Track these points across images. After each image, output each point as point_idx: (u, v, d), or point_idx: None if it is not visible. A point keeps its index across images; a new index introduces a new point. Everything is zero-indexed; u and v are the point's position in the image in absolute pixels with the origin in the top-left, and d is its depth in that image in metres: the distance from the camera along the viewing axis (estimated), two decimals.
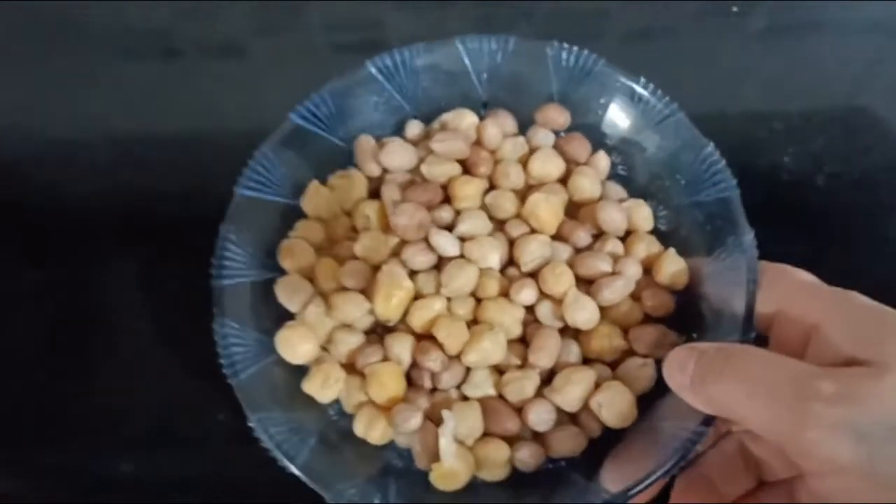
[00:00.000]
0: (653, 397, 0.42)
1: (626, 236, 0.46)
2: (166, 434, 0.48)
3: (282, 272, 0.45)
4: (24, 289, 0.52)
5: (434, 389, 0.43)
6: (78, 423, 0.48)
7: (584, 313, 0.42)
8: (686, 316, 0.44)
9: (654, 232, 0.46)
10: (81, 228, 0.53)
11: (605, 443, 0.42)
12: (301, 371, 0.43)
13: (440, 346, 0.42)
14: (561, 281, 0.43)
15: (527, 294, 0.43)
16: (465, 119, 0.47)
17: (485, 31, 0.50)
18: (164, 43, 0.60)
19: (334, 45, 0.60)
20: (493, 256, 0.43)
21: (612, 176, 0.48)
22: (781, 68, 0.59)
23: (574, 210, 0.47)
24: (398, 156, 0.47)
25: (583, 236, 0.45)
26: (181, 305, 0.50)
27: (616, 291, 0.43)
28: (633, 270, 0.43)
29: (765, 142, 0.56)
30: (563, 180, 0.47)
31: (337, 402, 0.43)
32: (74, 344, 0.50)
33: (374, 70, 0.47)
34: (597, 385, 0.42)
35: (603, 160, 0.47)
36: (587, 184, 0.46)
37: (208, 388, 0.45)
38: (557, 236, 0.45)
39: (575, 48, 0.47)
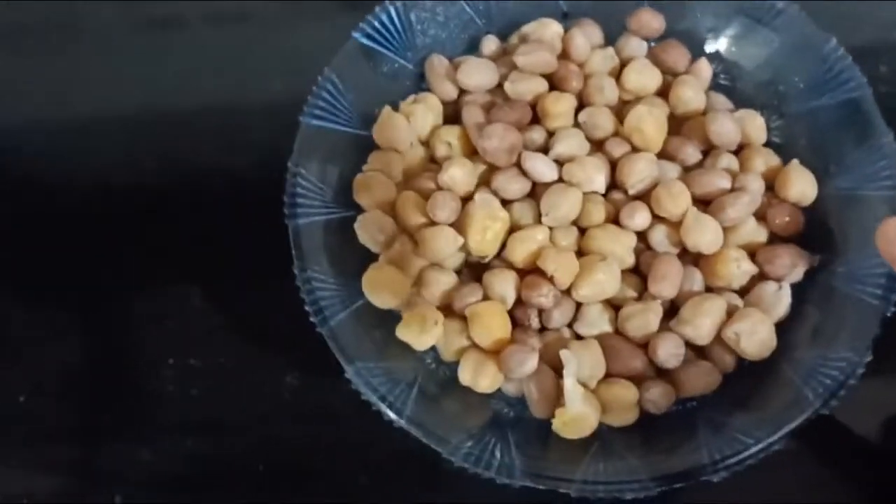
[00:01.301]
0: (785, 326, 0.37)
1: (738, 151, 0.41)
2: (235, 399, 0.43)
3: (358, 209, 0.40)
4: (60, 259, 0.47)
5: (543, 329, 0.38)
6: (140, 395, 0.43)
7: (706, 235, 0.38)
8: (815, 234, 0.39)
9: (768, 146, 0.42)
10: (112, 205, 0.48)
11: (736, 378, 0.38)
12: (390, 316, 0.38)
13: (548, 280, 0.37)
14: (678, 201, 0.38)
15: (640, 218, 0.39)
16: (549, 29, 0.43)
17: None
18: (166, 12, 0.54)
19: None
20: (598, 178, 0.39)
21: (714, 86, 0.44)
22: None
23: (676, 125, 0.42)
24: (477, 74, 0.42)
25: (692, 152, 0.40)
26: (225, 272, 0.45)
27: (741, 209, 0.38)
28: (756, 185, 0.39)
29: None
30: (661, 93, 0.43)
31: (433, 349, 0.38)
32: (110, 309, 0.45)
33: None
34: (728, 314, 0.37)
35: (705, 68, 0.43)
36: (691, 94, 0.42)
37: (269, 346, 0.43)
38: (662, 154, 0.41)
39: None
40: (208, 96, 0.50)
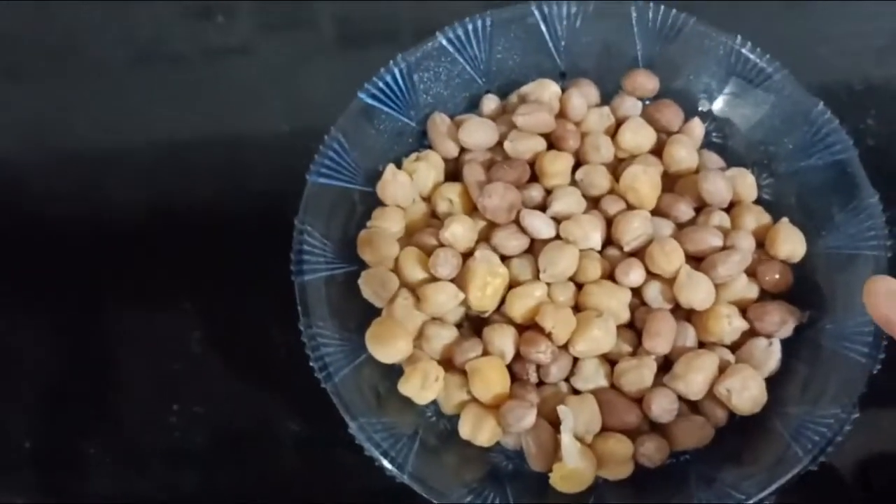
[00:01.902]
0: (775, 381, 0.39)
1: (729, 209, 0.42)
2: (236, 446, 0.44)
3: (362, 264, 0.41)
4: (61, 297, 0.48)
5: (541, 383, 0.39)
6: (141, 430, 0.45)
7: (699, 292, 0.39)
8: (804, 291, 0.40)
9: (758, 203, 0.43)
10: (118, 239, 0.49)
11: (728, 433, 0.39)
12: (390, 370, 0.40)
13: (546, 336, 0.38)
14: (671, 259, 0.39)
15: (635, 275, 0.40)
16: (548, 90, 0.44)
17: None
18: (169, 47, 0.56)
19: (346, 39, 0.56)
20: (594, 236, 0.40)
21: (706, 145, 0.45)
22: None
23: (670, 182, 0.43)
24: (478, 133, 0.43)
25: (684, 210, 0.42)
26: (229, 312, 0.47)
27: (732, 267, 0.39)
28: (746, 243, 0.40)
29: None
30: (655, 152, 0.44)
31: (433, 402, 0.40)
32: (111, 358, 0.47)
33: (444, 41, 0.43)
34: (720, 370, 0.38)
35: (698, 127, 0.44)
36: (684, 154, 0.43)
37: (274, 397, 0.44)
38: (656, 211, 0.42)
39: (662, 6, 0.43)
40: (210, 135, 0.52)
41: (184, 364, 0.46)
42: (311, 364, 0.37)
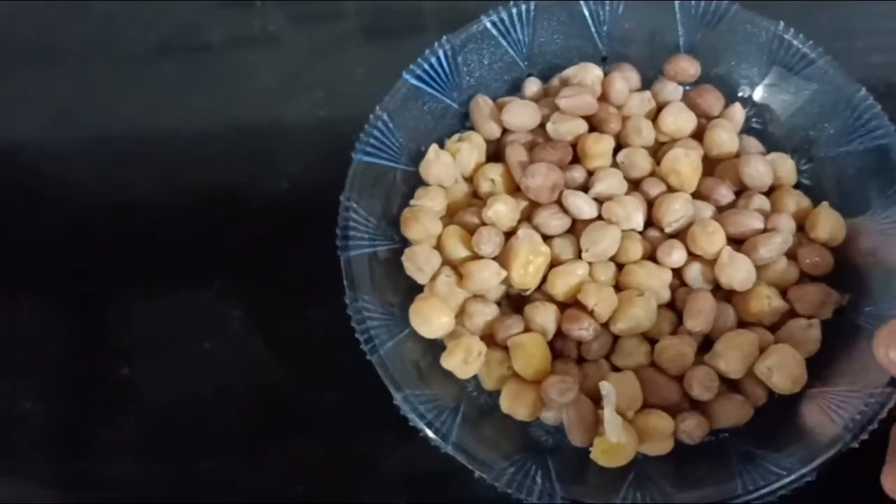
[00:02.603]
0: (815, 361, 0.39)
1: (770, 193, 0.43)
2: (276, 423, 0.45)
3: (403, 242, 0.42)
4: (97, 282, 0.49)
5: (581, 360, 0.40)
6: (179, 411, 0.45)
7: (740, 273, 0.39)
8: (844, 274, 0.41)
9: (798, 188, 0.43)
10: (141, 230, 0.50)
11: (768, 412, 0.39)
12: (433, 345, 0.40)
13: (589, 313, 0.39)
14: (713, 240, 0.40)
15: (677, 255, 0.40)
16: (590, 73, 0.44)
17: None
18: (201, 35, 0.56)
19: (375, 30, 0.57)
20: (636, 217, 0.40)
21: (746, 130, 0.45)
22: None
23: (710, 166, 0.43)
24: (521, 115, 0.43)
25: (725, 193, 0.42)
26: (269, 292, 0.48)
27: (773, 249, 0.40)
28: (788, 226, 0.41)
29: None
30: (696, 136, 0.44)
31: (474, 377, 0.40)
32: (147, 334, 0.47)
33: (489, 24, 0.44)
34: (760, 349, 0.38)
35: (738, 112, 0.44)
36: (725, 138, 0.43)
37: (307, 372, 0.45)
38: (697, 194, 0.42)
39: None
40: (244, 121, 0.53)
41: (224, 343, 0.46)
42: (356, 336, 0.37)
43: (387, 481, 0.43)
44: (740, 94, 0.45)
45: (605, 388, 0.37)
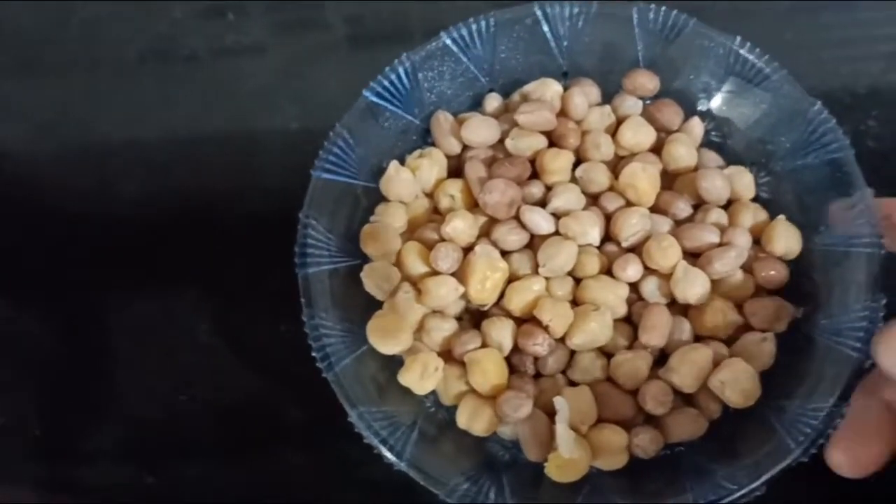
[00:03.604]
0: (769, 375, 0.39)
1: (728, 206, 0.43)
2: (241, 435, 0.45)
3: (364, 258, 0.42)
4: (75, 290, 0.50)
5: (538, 375, 0.40)
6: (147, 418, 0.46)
7: (695, 288, 0.39)
8: (799, 287, 0.41)
9: (756, 201, 0.43)
10: (123, 238, 0.51)
11: (722, 425, 0.39)
12: (390, 361, 0.40)
13: (544, 329, 0.39)
14: (668, 254, 0.40)
15: (633, 270, 0.40)
16: (550, 89, 0.44)
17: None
18: (182, 45, 0.57)
19: (356, 39, 0.57)
20: (592, 232, 0.41)
21: (705, 143, 0.45)
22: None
23: (669, 180, 0.44)
24: (481, 131, 0.44)
25: (683, 207, 0.42)
26: (237, 304, 0.48)
27: (728, 263, 0.40)
28: (743, 240, 0.41)
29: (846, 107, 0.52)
30: (655, 149, 0.44)
31: (432, 392, 0.40)
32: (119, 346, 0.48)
33: (448, 41, 0.44)
34: (714, 363, 0.39)
35: (697, 126, 0.44)
36: (683, 152, 0.43)
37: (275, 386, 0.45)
38: (655, 208, 0.42)
39: (663, 8, 0.43)
40: (220, 132, 0.53)
41: (191, 354, 0.47)
42: (312, 354, 0.38)
43: (353, 494, 0.43)
44: (700, 108, 0.45)
45: (559, 403, 0.37)
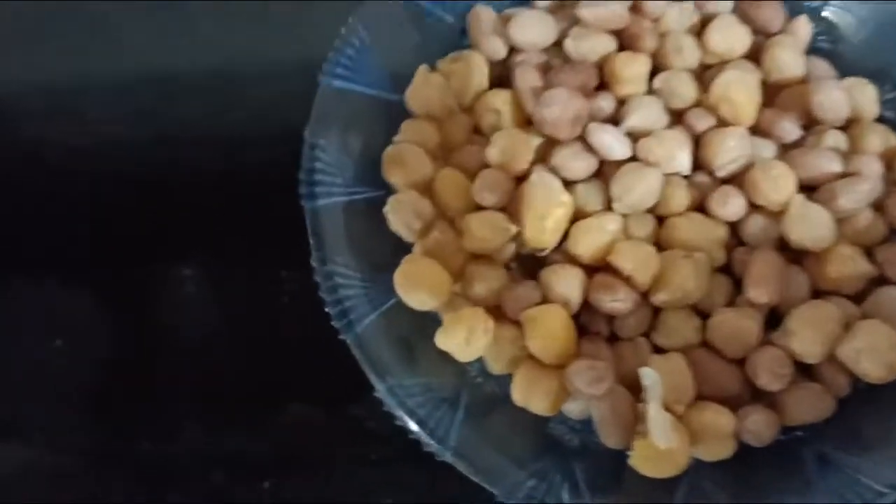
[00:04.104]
0: None
1: (846, 128, 0.35)
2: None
3: (388, 189, 0.34)
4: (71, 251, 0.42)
5: (614, 338, 0.33)
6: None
7: (815, 228, 0.32)
8: None
9: (880, 121, 0.36)
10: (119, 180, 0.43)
11: (855, 405, 0.32)
12: (425, 318, 0.33)
13: (624, 279, 0.31)
14: (779, 186, 0.33)
15: (734, 205, 0.33)
16: None
17: None
18: None
19: None
20: (681, 156, 0.33)
21: (812, 50, 0.38)
22: None
23: (769, 95, 0.36)
24: (532, 29, 0.36)
25: (790, 128, 0.35)
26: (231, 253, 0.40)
27: (858, 197, 0.33)
28: (874, 169, 0.34)
29: None
30: (750, 57, 0.37)
31: (479, 360, 0.33)
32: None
33: None
34: (843, 326, 0.31)
35: (804, 28, 0.37)
36: (788, 59, 0.36)
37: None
38: (755, 129, 0.35)
39: None
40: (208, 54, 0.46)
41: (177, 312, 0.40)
42: (326, 310, 0.30)
43: (368, 480, 0.36)
44: (806, 5, 0.38)
45: (648, 376, 0.30)
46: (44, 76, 0.46)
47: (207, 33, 0.46)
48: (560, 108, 0.33)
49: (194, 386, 0.38)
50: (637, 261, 0.31)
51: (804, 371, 0.32)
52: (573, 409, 0.32)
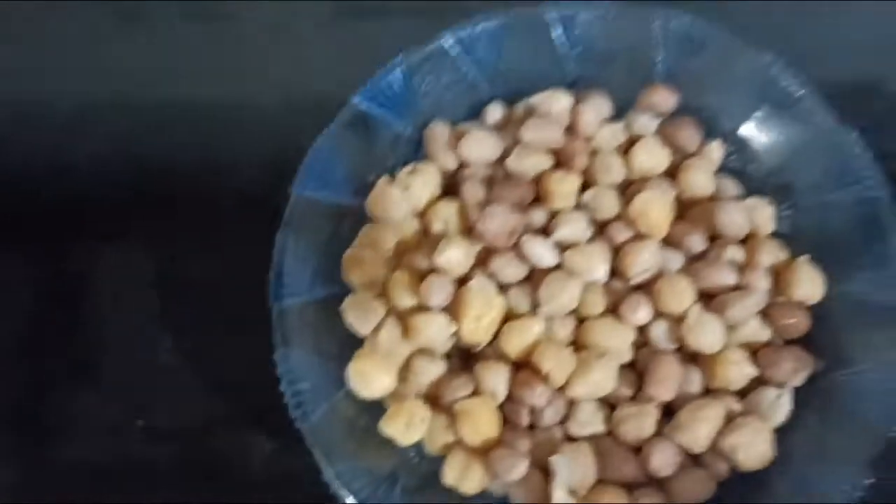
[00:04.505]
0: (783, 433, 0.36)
1: (745, 241, 0.39)
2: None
3: (345, 287, 0.38)
4: (17, 276, 0.45)
5: (532, 427, 0.37)
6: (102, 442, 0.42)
7: (708, 336, 0.36)
8: (819, 337, 0.38)
9: (775, 236, 0.40)
10: (83, 207, 0.46)
11: (732, 486, 0.36)
12: (371, 403, 0.37)
13: (543, 377, 0.35)
14: (682, 297, 0.37)
15: (642, 312, 0.37)
16: (558, 102, 0.41)
17: None
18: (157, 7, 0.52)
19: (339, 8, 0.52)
20: (600, 268, 0.37)
21: (724, 168, 0.41)
22: None
23: (682, 208, 0.40)
24: (480, 146, 0.40)
25: (697, 241, 0.39)
26: (199, 300, 0.44)
27: (745, 310, 0.37)
28: (762, 284, 0.37)
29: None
30: (669, 173, 0.41)
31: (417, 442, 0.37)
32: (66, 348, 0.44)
33: (450, 42, 0.40)
34: (726, 420, 0.36)
35: (716, 150, 0.41)
36: (700, 179, 0.40)
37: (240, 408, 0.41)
38: (667, 240, 0.39)
39: (690, 17, 0.39)
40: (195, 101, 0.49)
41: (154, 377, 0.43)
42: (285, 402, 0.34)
43: None
44: (720, 129, 0.41)
45: (557, 463, 0.34)
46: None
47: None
48: (498, 223, 0.37)
49: None
50: (555, 361, 0.35)
51: (691, 457, 0.36)
52: (496, 488, 0.36)
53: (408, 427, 0.35)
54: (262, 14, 0.50)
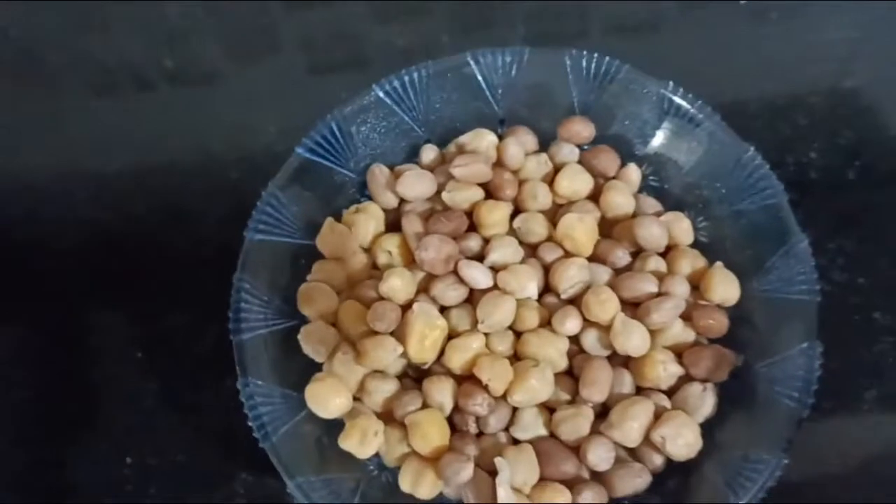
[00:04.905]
0: (710, 425, 0.39)
1: (666, 252, 0.43)
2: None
3: (301, 319, 0.41)
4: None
5: (480, 434, 0.40)
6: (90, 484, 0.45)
7: (634, 340, 0.39)
8: (740, 334, 0.41)
9: (695, 245, 0.43)
10: (61, 278, 0.50)
11: (667, 478, 0.39)
12: (332, 423, 0.40)
13: (484, 388, 0.38)
14: (606, 307, 0.40)
15: (571, 324, 0.40)
16: (485, 139, 0.44)
17: (464, 35, 0.51)
18: (138, 75, 0.56)
19: (314, 67, 0.57)
20: (530, 286, 0.40)
21: (644, 188, 0.45)
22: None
23: (607, 228, 0.44)
24: (416, 184, 0.43)
25: (621, 256, 0.42)
26: (173, 360, 0.47)
27: (666, 314, 0.40)
28: (681, 289, 0.41)
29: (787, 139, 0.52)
30: (592, 197, 0.44)
31: (376, 455, 0.40)
32: (64, 410, 0.47)
33: (381, 94, 0.44)
34: (656, 416, 0.38)
35: (634, 172, 0.45)
36: (620, 199, 0.43)
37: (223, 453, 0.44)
38: (593, 257, 0.42)
39: (595, 55, 0.44)
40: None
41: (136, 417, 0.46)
42: (249, 424, 0.37)
43: None
44: (636, 153, 0.45)
45: (499, 464, 0.37)
46: None
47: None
48: (434, 251, 0.40)
49: None
50: (493, 373, 0.38)
51: (630, 452, 0.39)
52: (450, 491, 0.39)
53: (362, 442, 0.38)
54: (219, 79, 0.55)
